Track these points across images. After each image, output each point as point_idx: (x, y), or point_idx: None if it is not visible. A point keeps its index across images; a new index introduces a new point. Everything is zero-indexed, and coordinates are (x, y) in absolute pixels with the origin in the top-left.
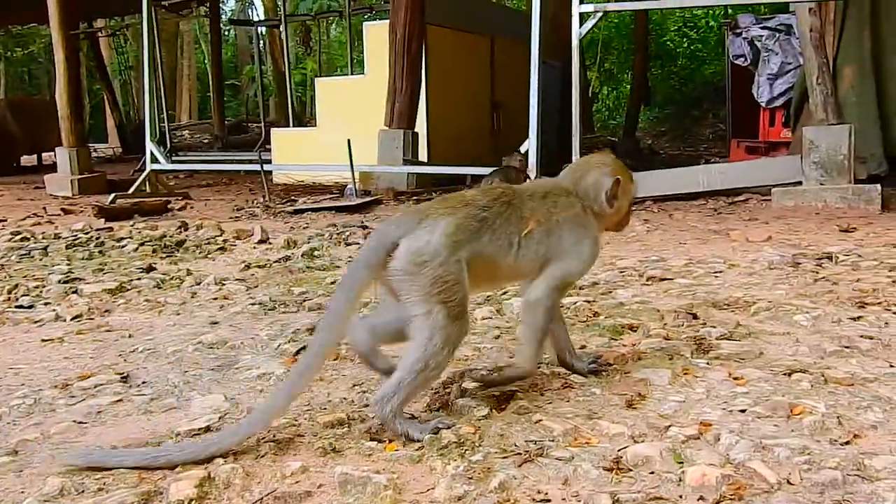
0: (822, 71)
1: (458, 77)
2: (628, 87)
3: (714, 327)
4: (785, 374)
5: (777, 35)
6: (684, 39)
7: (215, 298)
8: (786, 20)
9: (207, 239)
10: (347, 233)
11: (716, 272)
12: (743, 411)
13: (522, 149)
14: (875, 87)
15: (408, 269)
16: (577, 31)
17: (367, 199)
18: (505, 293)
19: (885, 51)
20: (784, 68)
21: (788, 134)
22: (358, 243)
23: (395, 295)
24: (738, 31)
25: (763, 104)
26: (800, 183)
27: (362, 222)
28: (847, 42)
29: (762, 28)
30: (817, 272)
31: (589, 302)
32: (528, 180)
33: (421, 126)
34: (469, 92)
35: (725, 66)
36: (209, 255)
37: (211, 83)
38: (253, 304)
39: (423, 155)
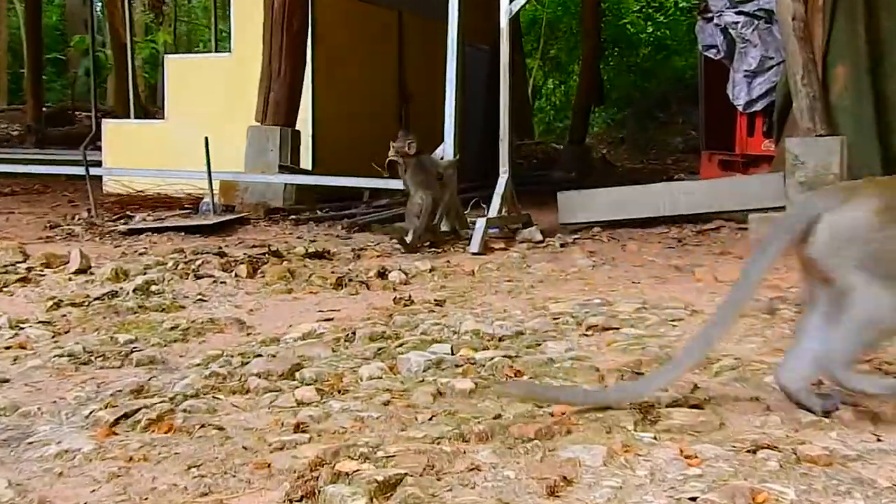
0: (808, 69)
1: (356, 61)
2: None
3: (665, 391)
4: (749, 452)
5: (755, 23)
6: (648, 23)
7: (7, 347)
8: (766, 4)
9: (3, 266)
10: (199, 261)
11: (674, 320)
12: (693, 499)
13: (437, 153)
14: (872, 91)
15: (834, 243)
16: (506, 9)
17: (229, 217)
18: (401, 345)
19: (883, 47)
20: (764, 64)
21: (771, 146)
22: (212, 276)
23: (809, 270)
24: (709, 15)
25: (740, 108)
26: (783, 207)
27: (220, 249)
28: (838, 35)
29: (737, 13)
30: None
31: (510, 357)
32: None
33: (304, 123)
34: (369, 80)
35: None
36: (4, 289)
37: (26, 56)
38: (60, 356)
39: (305, 161)
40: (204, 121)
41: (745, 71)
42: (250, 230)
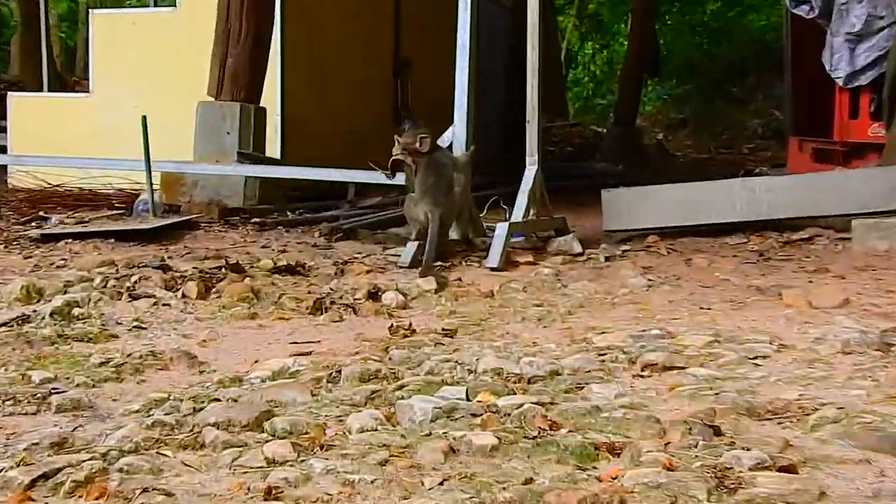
0: None
1: (338, 19)
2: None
3: (748, 450)
4: None
5: None
6: None
7: None
8: None
9: None
10: (135, 277)
11: (756, 357)
12: None
13: (445, 137)
14: None
15: None
16: None
17: (173, 219)
18: (400, 388)
19: None
20: (872, 25)
21: (880, 131)
22: (152, 296)
23: None
24: None
25: (840, 81)
26: None
27: (163, 261)
28: None
29: None
30: None
31: (543, 404)
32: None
33: (271, 99)
34: (356, 44)
35: (784, 18)
36: None
37: None
38: None
39: (273, 148)
40: (140, 95)
41: (847, 34)
42: (201, 237)
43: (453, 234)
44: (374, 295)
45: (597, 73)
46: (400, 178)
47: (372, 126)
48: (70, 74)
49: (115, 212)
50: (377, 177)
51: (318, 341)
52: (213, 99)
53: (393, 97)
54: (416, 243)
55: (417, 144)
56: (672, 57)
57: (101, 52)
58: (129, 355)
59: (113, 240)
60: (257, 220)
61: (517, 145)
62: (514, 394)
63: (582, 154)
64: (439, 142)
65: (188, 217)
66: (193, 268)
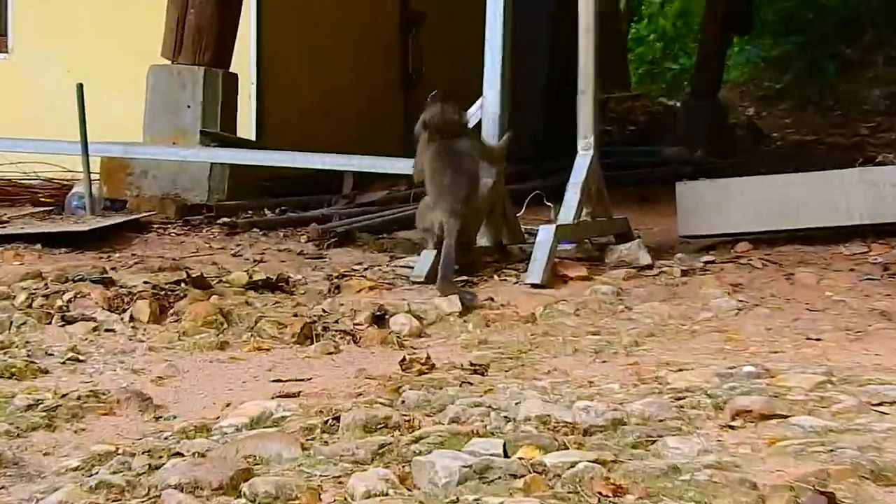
0: None
1: None
2: None
3: None
4: None
5: None
6: None
7: None
8: None
9: None
10: (69, 294)
11: (881, 404)
12: None
13: (471, 114)
14: None
15: None
16: None
17: (117, 219)
18: (416, 440)
19: None
20: None
21: None
22: (91, 318)
23: None
24: None
25: None
26: None
27: (104, 272)
28: None
29: None
30: None
31: (604, 463)
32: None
33: (243, 63)
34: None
35: None
36: None
37: None
38: None
39: (246, 127)
40: (74, 56)
41: None
42: (153, 241)
43: (482, 241)
44: (379, 319)
45: (667, 28)
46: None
47: (373, 97)
48: None
49: (41, 209)
50: (382, 163)
51: (309, 379)
52: (168, 62)
53: (401, 60)
54: (434, 252)
55: (446, 115)
56: (766, 8)
57: (22, 2)
58: (63, 396)
59: (39, 245)
60: (226, 219)
61: (564, 123)
62: (566, 448)
63: (649, 135)
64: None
65: (137, 216)
66: (145, 282)
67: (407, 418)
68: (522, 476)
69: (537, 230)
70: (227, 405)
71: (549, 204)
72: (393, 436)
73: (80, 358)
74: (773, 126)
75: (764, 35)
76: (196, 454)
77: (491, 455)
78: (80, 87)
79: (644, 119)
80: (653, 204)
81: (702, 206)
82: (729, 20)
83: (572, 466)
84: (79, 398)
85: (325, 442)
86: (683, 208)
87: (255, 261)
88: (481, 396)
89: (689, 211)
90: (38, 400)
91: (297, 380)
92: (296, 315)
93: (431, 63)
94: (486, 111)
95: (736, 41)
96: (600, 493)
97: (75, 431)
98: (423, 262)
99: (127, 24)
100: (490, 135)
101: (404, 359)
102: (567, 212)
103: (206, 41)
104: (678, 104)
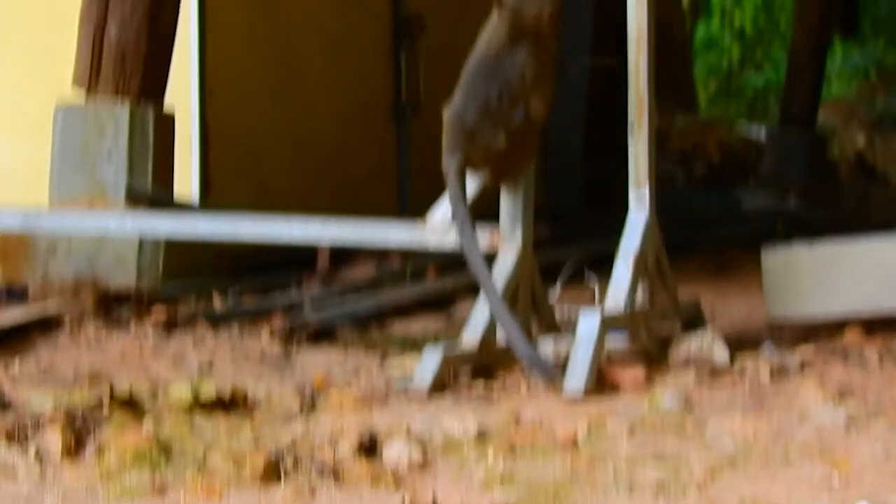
0: None
1: None
2: None
3: None
4: None
5: None
6: None
7: None
8: None
9: None
10: None
11: None
12: None
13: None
14: None
15: None
16: None
17: (14, 315)
18: None
19: None
20: None
21: None
22: None
23: None
24: None
25: None
26: None
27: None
28: None
29: None
30: None
31: None
32: None
33: (184, 96)
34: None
35: None
36: None
37: None
38: None
39: (187, 182)
40: None
41: None
42: (65, 344)
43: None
44: (368, 448)
45: (746, 26)
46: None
47: (356, 136)
48: None
49: None
50: (370, 231)
51: None
52: (82, 94)
53: (392, 80)
54: (440, 352)
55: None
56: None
57: None
58: None
59: None
60: (163, 311)
61: (611, 167)
62: None
63: (725, 176)
64: None
65: (41, 311)
66: (54, 402)
67: None
68: None
69: (578, 317)
70: None
71: (592, 278)
72: None
73: None
74: (891, 161)
75: (876, 36)
76: None
77: None
78: None
79: (718, 154)
80: (732, 275)
81: (797, 278)
82: (827, 17)
83: None
84: None
85: None
86: (773, 282)
87: (201, 369)
88: None
89: (780, 285)
90: None
91: None
92: (257, 445)
93: (432, 82)
94: None
95: (838, 44)
96: None
97: None
98: (426, 365)
99: (27, 42)
100: (511, 190)
101: (403, 502)
102: (617, 292)
103: (131, 66)
104: (763, 134)
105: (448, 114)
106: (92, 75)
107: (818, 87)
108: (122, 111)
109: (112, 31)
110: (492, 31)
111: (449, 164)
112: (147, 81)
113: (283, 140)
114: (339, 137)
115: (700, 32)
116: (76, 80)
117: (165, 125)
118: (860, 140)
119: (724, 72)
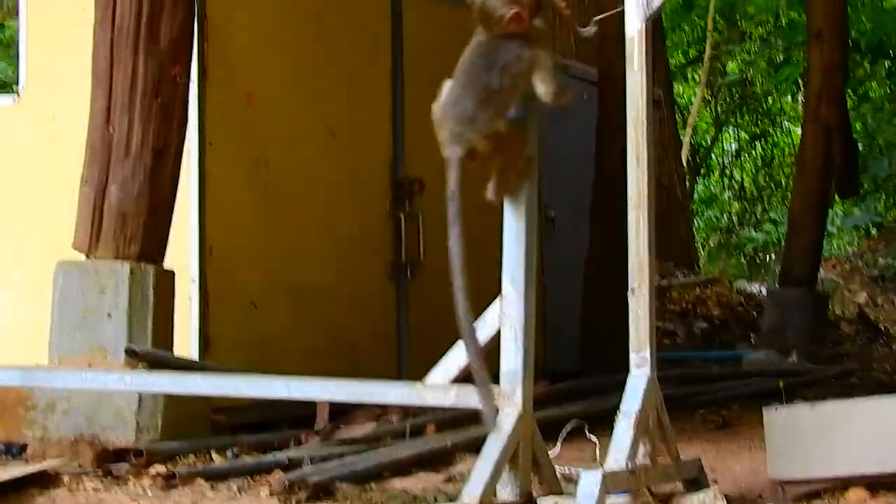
0: None
1: (299, 116)
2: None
3: None
4: None
5: None
6: None
7: None
8: None
9: None
10: None
11: None
12: None
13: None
14: None
15: None
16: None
17: (12, 471)
18: None
19: None
20: None
21: None
22: None
23: None
24: None
25: None
26: None
27: None
28: None
29: None
30: None
31: None
32: None
33: (183, 256)
34: (328, 156)
35: None
36: None
37: None
38: None
39: (186, 341)
40: None
41: None
42: (63, 499)
43: (504, 493)
44: None
45: (746, 184)
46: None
47: (356, 296)
48: None
49: None
50: (369, 390)
51: None
52: (83, 257)
53: (391, 240)
54: None
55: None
56: (878, 156)
57: None
58: None
59: None
60: (161, 467)
61: (612, 326)
62: None
63: (726, 335)
64: (480, 325)
65: (40, 466)
66: None
67: None
68: None
69: (579, 476)
70: None
71: (592, 438)
72: None
73: None
74: (893, 318)
75: (877, 193)
76: None
77: None
78: None
79: (718, 312)
80: (734, 433)
81: (800, 438)
82: (828, 176)
83: None
84: None
85: None
86: (775, 441)
87: None
88: None
89: (782, 445)
90: None
91: None
92: None
93: (432, 246)
94: (507, 315)
95: (841, 203)
96: None
97: None
98: None
99: (25, 202)
100: (512, 350)
101: None
102: (618, 452)
103: (131, 229)
104: (763, 291)
105: (441, 105)
106: (92, 238)
107: (819, 245)
108: (123, 270)
109: (112, 193)
110: (476, 36)
111: (452, 152)
112: (147, 243)
113: (282, 298)
114: (338, 297)
115: (700, 188)
116: (76, 244)
117: (166, 284)
118: (861, 297)
119: (724, 228)
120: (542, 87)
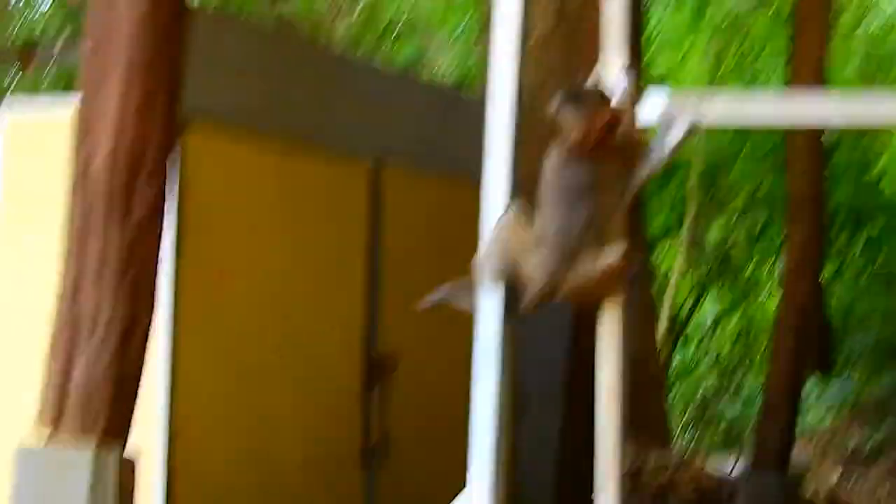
0: None
1: (268, 294)
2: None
3: None
4: None
5: None
6: None
7: None
8: None
9: None
10: None
11: None
12: None
13: None
14: None
15: None
16: None
17: None
18: None
19: None
20: None
21: None
22: None
23: None
24: None
25: None
26: None
27: None
28: None
29: None
30: None
31: None
32: None
33: (147, 440)
34: (306, 331)
35: None
36: None
37: None
38: None
39: None
40: None
41: None
42: None
43: None
44: None
45: (722, 351)
46: None
47: (323, 481)
48: None
49: None
50: None
51: None
52: (44, 437)
53: (360, 422)
54: None
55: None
56: (853, 331)
57: None
58: None
59: None
60: None
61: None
62: None
63: None
64: None
65: None
66: None
67: None
68: None
69: None
70: None
71: None
72: None
73: None
74: (866, 499)
75: (853, 367)
76: None
77: None
78: None
79: (694, 495)
80: None
81: None
82: (802, 352)
83: None
84: None
85: None
86: None
87: None
88: None
89: None
90: None
91: None
92: None
93: (402, 426)
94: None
95: (815, 380)
96: None
97: None
98: None
99: None
100: None
101: None
102: None
103: (96, 406)
104: (737, 475)
105: (549, 227)
106: (56, 415)
107: (792, 426)
108: (84, 456)
109: (78, 370)
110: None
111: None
112: (112, 422)
113: (248, 483)
114: (304, 482)
115: (676, 359)
116: (40, 420)
117: (127, 471)
118: (832, 478)
119: (700, 400)
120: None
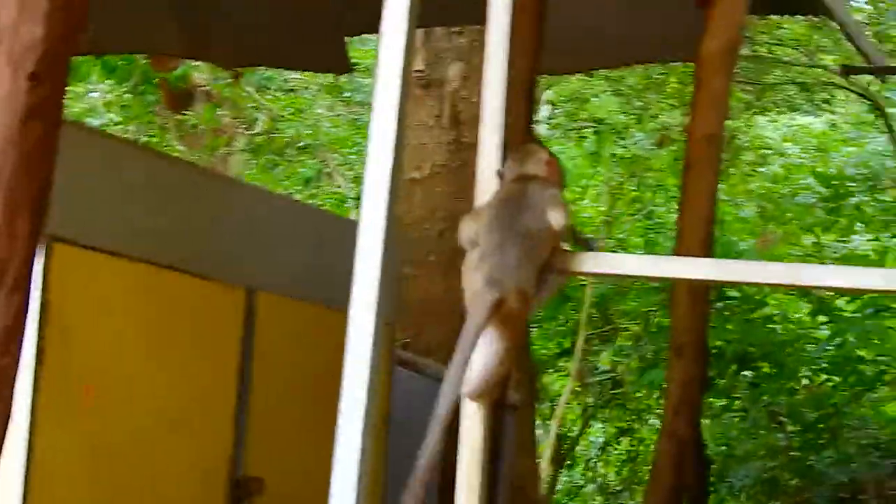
0: None
1: (134, 410)
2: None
3: None
4: None
5: None
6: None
7: None
8: None
9: None
10: None
11: None
12: None
13: None
14: None
15: None
16: None
17: None
18: None
19: None
20: None
21: None
22: None
23: None
24: None
25: None
26: None
27: None
28: None
29: None
30: None
31: None
32: None
33: None
34: (164, 451)
35: None
36: None
37: None
38: None
39: None
40: None
41: None
42: None
43: None
44: None
45: (607, 476)
46: None
47: None
48: None
49: None
50: None
51: None
52: None
53: None
54: None
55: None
56: (736, 467)
57: None
58: None
59: None
60: None
61: None
62: None
63: None
64: None
65: None
66: None
67: None
68: None
69: None
70: None
71: None
72: None
73: None
74: None
75: (734, 502)
76: None
77: None
78: None
79: None
80: None
81: None
82: (679, 489)
83: None
84: None
85: None
86: None
87: None
88: None
89: None
90: None
91: None
92: None
93: None
94: None
95: None
96: None
97: None
98: None
99: None
100: None
101: None
102: None
103: None
104: None
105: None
106: None
107: None
108: None
109: None
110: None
111: (489, 294)
112: None
113: None
114: None
115: (565, 482)
116: None
117: None
118: None
119: None
120: (555, 216)
